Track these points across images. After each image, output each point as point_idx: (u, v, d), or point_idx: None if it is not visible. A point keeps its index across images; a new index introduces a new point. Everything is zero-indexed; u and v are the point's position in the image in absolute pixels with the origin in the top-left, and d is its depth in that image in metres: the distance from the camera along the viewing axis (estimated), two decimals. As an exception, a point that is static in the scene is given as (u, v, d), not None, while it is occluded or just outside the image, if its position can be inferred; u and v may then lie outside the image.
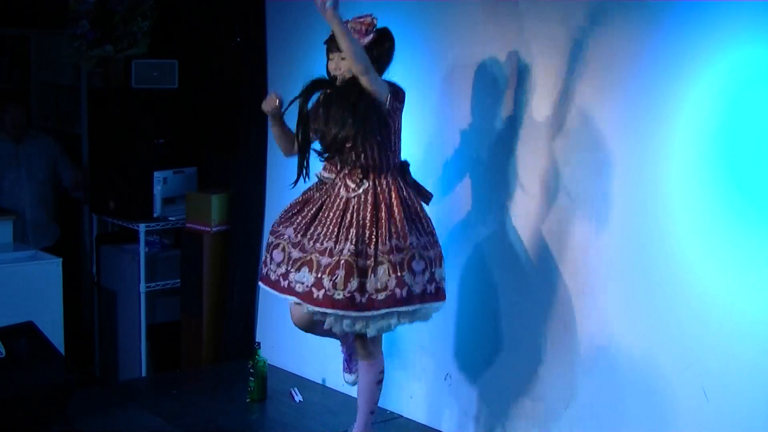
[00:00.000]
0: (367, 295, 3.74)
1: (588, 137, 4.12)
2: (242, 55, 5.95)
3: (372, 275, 3.75)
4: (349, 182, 3.88)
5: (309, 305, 3.80)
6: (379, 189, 3.86)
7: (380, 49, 3.85)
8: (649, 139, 3.89)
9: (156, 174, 6.05)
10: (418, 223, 3.89)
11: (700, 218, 3.74)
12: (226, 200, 5.94)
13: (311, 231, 3.87)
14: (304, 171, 3.95)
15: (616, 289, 4.04)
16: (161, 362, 6.19)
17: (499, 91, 4.46)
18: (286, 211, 4.05)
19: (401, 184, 3.92)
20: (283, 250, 3.91)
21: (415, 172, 4.13)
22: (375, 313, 3.77)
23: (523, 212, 4.37)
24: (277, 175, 5.66)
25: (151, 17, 6.17)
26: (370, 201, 3.83)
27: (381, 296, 3.75)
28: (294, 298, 3.84)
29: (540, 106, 4.28)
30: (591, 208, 4.13)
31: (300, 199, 4.04)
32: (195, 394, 5.30)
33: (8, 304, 5.17)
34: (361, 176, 3.87)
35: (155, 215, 6.09)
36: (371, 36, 3.77)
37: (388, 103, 3.83)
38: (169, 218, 6.14)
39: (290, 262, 3.86)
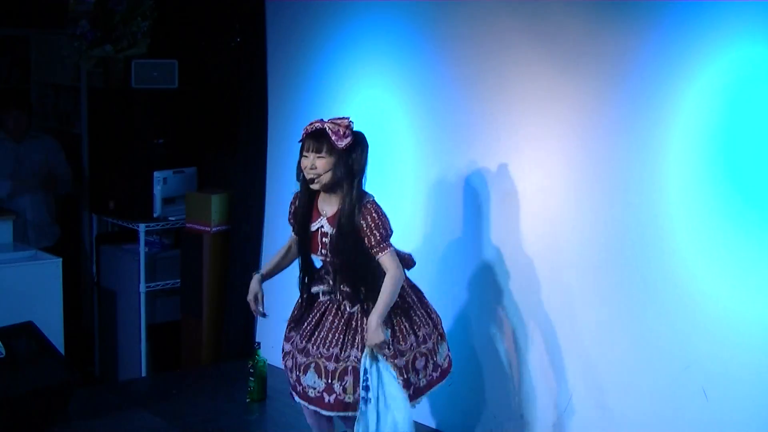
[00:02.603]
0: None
1: (585, 136, 4.12)
2: (242, 55, 5.95)
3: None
4: (347, 300, 3.92)
5: (323, 410, 3.90)
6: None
7: (362, 154, 3.84)
8: (647, 139, 3.89)
9: (156, 174, 6.05)
10: (416, 315, 3.96)
11: (699, 218, 3.74)
12: (226, 200, 5.94)
13: (314, 336, 3.94)
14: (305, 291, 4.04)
15: (616, 290, 4.03)
16: (161, 362, 6.18)
17: (494, 91, 4.46)
18: (292, 315, 4.10)
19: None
20: (293, 357, 3.99)
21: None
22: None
23: (525, 209, 4.37)
24: (277, 175, 5.66)
25: (151, 17, 6.17)
26: (370, 309, 3.86)
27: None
28: (308, 404, 3.93)
29: (537, 105, 4.28)
30: (588, 209, 4.13)
31: (303, 302, 4.07)
32: (195, 394, 5.30)
33: (8, 304, 5.16)
34: (358, 296, 3.90)
35: (155, 215, 6.09)
36: (349, 139, 3.78)
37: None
38: (169, 218, 6.14)
39: (298, 368, 3.94)
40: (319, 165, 3.80)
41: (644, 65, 3.88)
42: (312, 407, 3.91)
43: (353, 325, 3.88)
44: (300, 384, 3.93)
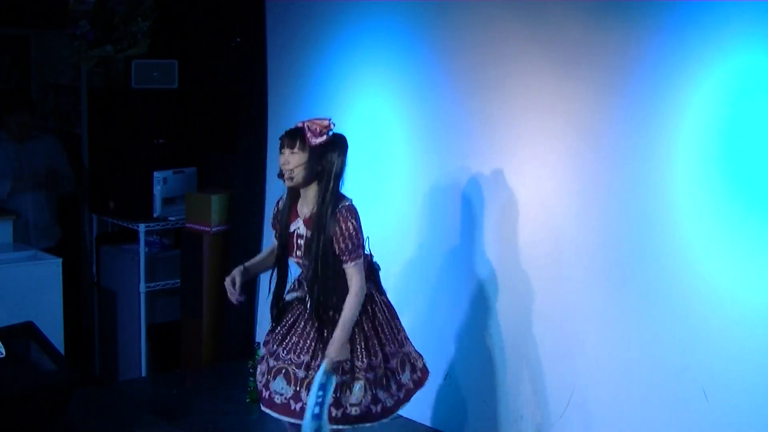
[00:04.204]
0: (341, 410, 3.77)
1: (589, 142, 4.12)
2: (242, 55, 5.95)
3: (347, 391, 3.77)
4: (324, 307, 3.84)
5: (286, 417, 3.83)
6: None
7: (339, 156, 3.76)
8: (652, 144, 3.89)
9: (156, 174, 6.05)
10: (382, 334, 3.86)
11: (701, 220, 3.74)
12: (226, 200, 5.94)
13: (287, 341, 3.87)
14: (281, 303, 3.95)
15: (617, 290, 4.04)
16: (161, 362, 6.19)
17: (495, 97, 4.46)
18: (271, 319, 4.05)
19: (371, 293, 3.87)
20: (266, 361, 3.92)
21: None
22: (347, 427, 3.82)
23: (525, 211, 4.37)
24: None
25: (151, 17, 6.17)
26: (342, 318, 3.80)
27: (355, 411, 3.78)
28: (271, 412, 3.86)
29: (540, 111, 4.28)
30: (590, 211, 4.13)
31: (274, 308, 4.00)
32: (195, 394, 5.31)
33: (8, 304, 5.17)
34: (331, 305, 3.82)
35: (155, 215, 6.09)
36: (324, 137, 3.73)
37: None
38: (169, 218, 6.14)
39: (269, 372, 3.88)
40: (292, 161, 3.75)
41: (649, 69, 3.87)
42: (275, 414, 3.83)
43: (325, 334, 3.79)
44: (267, 389, 3.85)
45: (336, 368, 3.69)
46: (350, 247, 3.72)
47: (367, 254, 3.88)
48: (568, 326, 4.22)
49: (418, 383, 3.96)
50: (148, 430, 4.80)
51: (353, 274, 3.74)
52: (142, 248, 6.03)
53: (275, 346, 3.89)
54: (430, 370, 4.04)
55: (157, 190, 6.07)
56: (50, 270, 5.49)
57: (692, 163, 3.76)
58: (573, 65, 4.14)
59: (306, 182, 3.76)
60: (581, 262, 4.16)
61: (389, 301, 3.97)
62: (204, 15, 6.30)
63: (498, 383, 4.50)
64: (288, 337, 3.86)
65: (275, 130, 5.73)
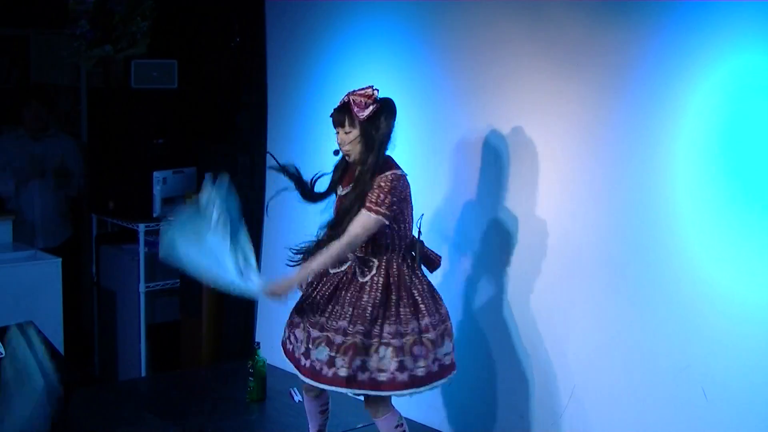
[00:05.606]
0: (368, 374, 3.81)
1: (590, 141, 4.12)
2: (242, 55, 5.96)
3: (375, 354, 3.81)
4: (362, 266, 3.91)
5: (320, 384, 3.88)
6: (390, 271, 3.88)
7: (386, 120, 3.84)
8: (653, 142, 3.89)
9: (155, 174, 6.05)
10: (424, 303, 3.89)
11: (701, 220, 3.75)
12: (226, 200, 5.93)
13: (329, 309, 3.92)
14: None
15: (617, 289, 4.04)
16: (161, 362, 6.19)
17: (495, 96, 4.46)
18: (306, 286, 4.07)
19: (409, 263, 3.94)
20: (304, 329, 3.96)
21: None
22: (376, 393, 3.84)
23: (526, 211, 4.38)
24: (277, 175, 5.65)
25: (150, 17, 6.17)
26: (381, 282, 3.87)
27: (382, 377, 3.81)
28: (309, 381, 3.91)
29: (540, 110, 4.28)
30: (591, 209, 4.13)
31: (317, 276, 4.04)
32: (195, 394, 5.30)
33: (8, 304, 5.17)
34: (370, 262, 3.90)
35: (155, 215, 6.09)
36: (370, 108, 3.80)
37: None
38: (169, 218, 6.14)
39: (310, 341, 3.91)
40: (345, 139, 3.84)
41: (649, 69, 3.87)
42: (313, 383, 3.88)
43: (363, 298, 3.85)
44: (308, 357, 3.89)
45: (269, 295, 3.86)
46: (375, 199, 3.76)
47: (412, 234, 3.93)
48: (568, 325, 4.23)
49: (452, 365, 3.94)
50: (148, 430, 4.80)
51: (357, 221, 3.78)
52: (142, 248, 6.03)
53: (317, 315, 3.91)
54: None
55: (157, 190, 6.06)
56: (50, 270, 5.50)
57: (692, 162, 3.76)
58: (573, 65, 4.14)
59: (364, 155, 3.83)
60: (581, 261, 4.16)
61: (427, 278, 3.99)
62: (204, 15, 6.31)
63: (498, 383, 4.51)
64: (330, 306, 3.90)
65: (275, 131, 5.74)
